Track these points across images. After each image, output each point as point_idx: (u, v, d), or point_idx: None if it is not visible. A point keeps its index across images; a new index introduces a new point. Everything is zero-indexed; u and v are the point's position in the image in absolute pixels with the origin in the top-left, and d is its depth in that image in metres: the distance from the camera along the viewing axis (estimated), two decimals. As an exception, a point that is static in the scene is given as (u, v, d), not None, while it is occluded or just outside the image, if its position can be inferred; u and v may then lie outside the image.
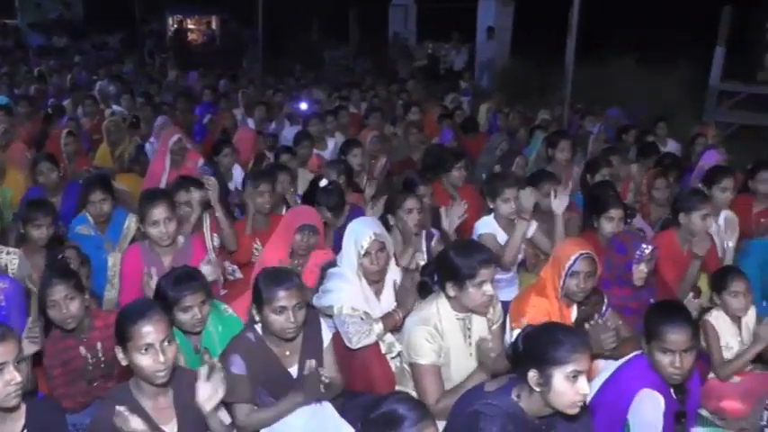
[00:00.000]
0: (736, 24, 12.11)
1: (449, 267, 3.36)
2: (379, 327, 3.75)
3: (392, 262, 4.05)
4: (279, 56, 18.28)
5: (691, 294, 4.48)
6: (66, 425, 2.91)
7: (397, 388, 3.62)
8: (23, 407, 2.64)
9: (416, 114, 9.50)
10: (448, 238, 4.93)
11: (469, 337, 3.48)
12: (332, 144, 8.14)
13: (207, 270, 3.89)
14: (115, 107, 10.42)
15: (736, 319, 4.13)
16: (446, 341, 3.38)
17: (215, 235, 4.93)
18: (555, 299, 3.70)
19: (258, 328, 3.29)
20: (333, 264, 4.06)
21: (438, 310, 3.42)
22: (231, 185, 6.47)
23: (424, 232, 4.90)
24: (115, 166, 7.35)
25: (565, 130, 8.39)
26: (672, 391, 3.11)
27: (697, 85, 12.91)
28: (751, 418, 3.87)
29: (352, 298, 3.79)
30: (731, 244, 4.90)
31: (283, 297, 3.13)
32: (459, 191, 5.96)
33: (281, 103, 11.29)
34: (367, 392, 3.61)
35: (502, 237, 4.80)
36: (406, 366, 3.55)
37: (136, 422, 2.57)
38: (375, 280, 3.91)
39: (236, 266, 5.09)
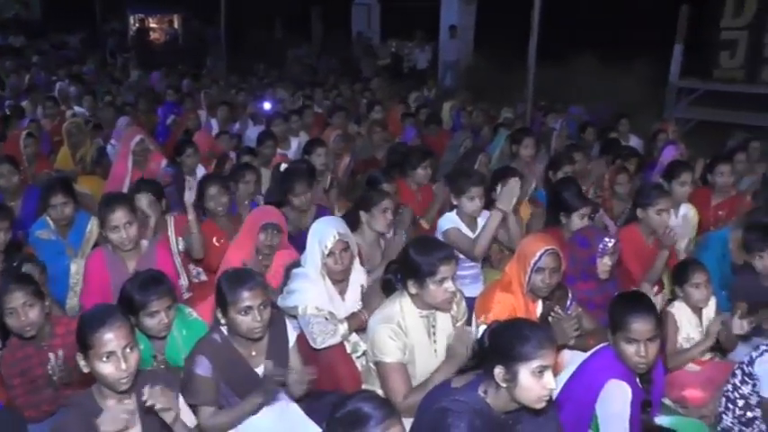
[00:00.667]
0: (693, 23, 12.31)
1: (409, 265, 3.36)
2: (343, 327, 3.76)
3: (356, 261, 4.04)
4: (242, 54, 18.17)
5: (655, 288, 4.56)
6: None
7: (364, 387, 3.62)
8: None
9: (380, 113, 9.52)
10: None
11: (434, 334, 3.48)
12: (296, 144, 8.11)
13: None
14: (76, 108, 10.27)
15: (697, 311, 4.21)
16: (410, 339, 3.37)
17: (180, 239, 4.85)
18: (520, 294, 3.72)
19: (224, 329, 3.26)
20: (297, 264, 4.05)
21: (401, 308, 3.41)
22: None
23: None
24: (77, 169, 7.23)
25: (528, 128, 8.47)
26: (638, 380, 3.15)
27: (657, 82, 13.09)
28: (711, 405, 3.95)
29: (316, 298, 3.79)
30: (683, 244, 4.96)
31: (248, 297, 3.11)
32: (421, 189, 5.99)
33: (244, 103, 11.23)
34: (333, 392, 3.60)
35: (465, 231, 4.82)
36: (371, 365, 3.55)
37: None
38: (339, 279, 3.91)
39: (200, 269, 5.05)
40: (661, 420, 3.32)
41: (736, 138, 8.43)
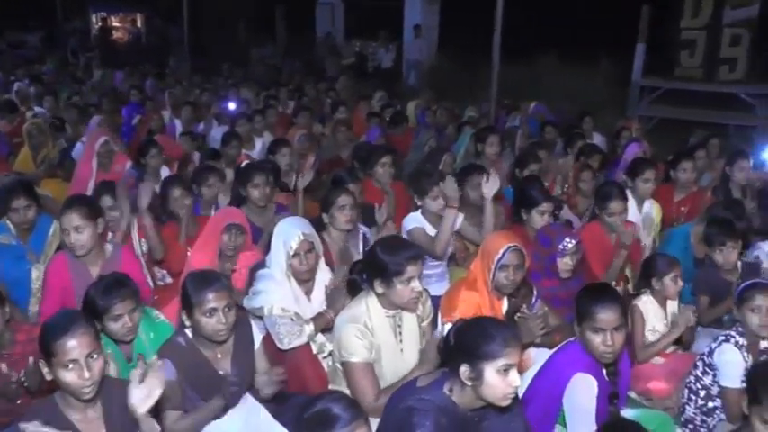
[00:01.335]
0: (655, 23, 12.48)
1: (376, 265, 3.35)
2: (310, 327, 3.75)
3: (322, 261, 4.04)
4: (205, 54, 18.06)
5: (613, 283, 4.62)
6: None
7: (331, 387, 3.60)
8: None
9: (344, 113, 9.51)
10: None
11: (400, 333, 3.48)
12: (260, 144, 8.09)
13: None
14: (37, 109, 10.09)
15: (663, 304, 4.28)
16: (376, 338, 3.37)
17: (143, 240, 4.80)
18: (485, 292, 3.74)
19: (188, 332, 3.23)
20: (262, 265, 4.03)
21: (368, 308, 3.41)
22: (157, 188, 6.34)
23: (361, 231, 4.91)
24: (39, 172, 7.11)
25: (493, 126, 8.53)
26: (604, 373, 3.19)
27: (620, 80, 13.28)
28: (674, 396, 4.03)
29: (282, 299, 3.77)
30: (648, 241, 5.04)
31: (212, 299, 3.09)
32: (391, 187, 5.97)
33: (208, 103, 11.15)
34: (300, 393, 3.59)
35: (431, 232, 4.83)
36: (338, 365, 3.54)
37: None
38: (305, 280, 3.90)
39: (165, 271, 5.00)
40: (626, 413, 3.36)
41: (697, 135, 8.57)
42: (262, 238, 4.85)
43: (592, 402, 3.07)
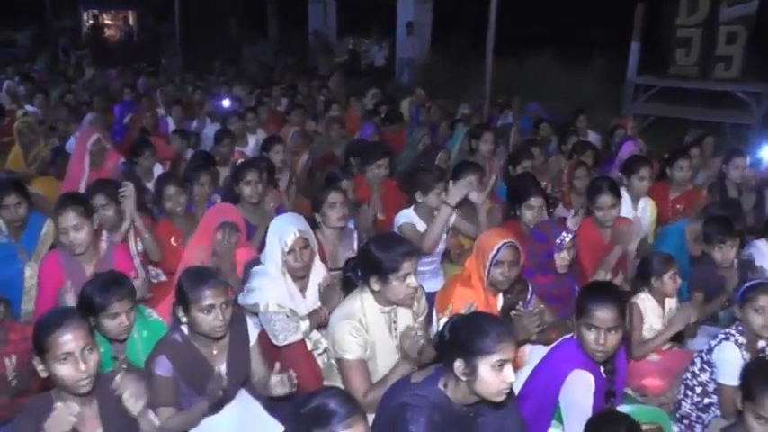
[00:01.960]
0: (649, 20, 12.49)
1: (371, 262, 3.35)
2: (305, 324, 3.73)
3: (317, 258, 4.02)
4: (197, 51, 18.01)
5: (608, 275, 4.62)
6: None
7: (325, 383, 3.60)
8: None
9: (337, 111, 9.50)
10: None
11: (395, 330, 3.48)
12: (253, 141, 8.07)
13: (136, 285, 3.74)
14: (28, 107, 10.05)
15: (661, 302, 4.28)
16: (371, 335, 3.37)
17: (138, 240, 4.76)
18: (480, 289, 3.73)
19: (184, 328, 3.21)
20: (257, 261, 4.01)
21: (362, 305, 3.41)
22: (151, 186, 6.31)
23: (354, 229, 4.89)
24: (30, 170, 7.07)
25: (487, 123, 8.52)
26: (602, 370, 3.18)
27: (614, 78, 13.28)
28: (669, 393, 4.04)
29: (277, 295, 3.75)
30: (634, 246, 5.03)
31: (210, 295, 3.07)
32: (381, 185, 5.95)
33: (201, 101, 11.12)
34: (295, 389, 3.58)
35: (421, 227, 4.81)
36: (333, 362, 3.54)
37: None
38: (300, 276, 3.88)
39: (159, 270, 4.97)
40: (622, 409, 3.35)
41: (692, 134, 8.57)
42: (256, 235, 4.83)
43: (588, 399, 3.07)
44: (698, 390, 3.75)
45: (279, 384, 3.16)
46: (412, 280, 3.33)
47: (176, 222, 5.02)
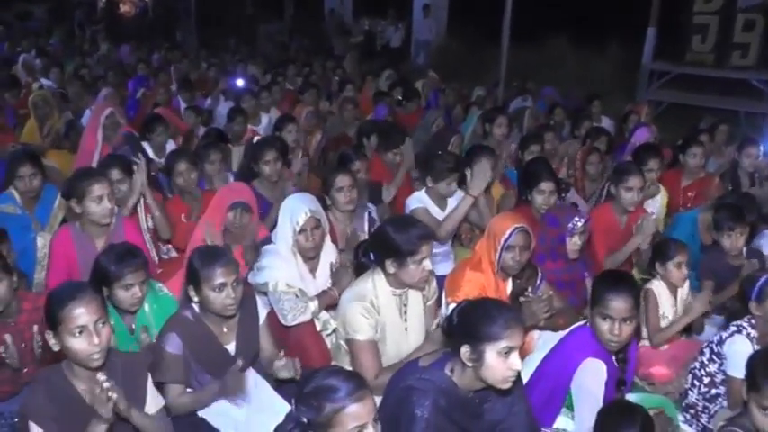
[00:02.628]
0: (666, 6, 12.38)
1: (388, 244, 3.33)
2: (314, 304, 3.75)
3: (327, 239, 4.03)
4: (212, 29, 17.96)
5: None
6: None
7: (333, 364, 3.61)
8: None
9: (351, 91, 9.47)
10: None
11: (405, 312, 3.49)
12: (266, 120, 8.07)
13: None
14: (43, 81, 10.07)
15: (673, 290, 4.27)
16: (382, 317, 3.38)
17: (149, 216, 4.77)
18: (490, 273, 3.73)
19: (195, 306, 3.23)
20: (268, 241, 4.02)
21: (374, 286, 3.41)
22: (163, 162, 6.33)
23: (366, 211, 4.90)
24: (44, 143, 7.11)
25: (501, 107, 8.48)
26: (614, 359, 3.18)
27: (630, 64, 13.19)
28: (676, 382, 4.03)
29: (287, 275, 3.76)
30: (644, 247, 5.01)
31: (221, 274, 3.09)
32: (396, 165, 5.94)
33: (215, 79, 11.11)
34: (303, 369, 3.60)
35: (435, 211, 4.82)
36: (341, 343, 3.55)
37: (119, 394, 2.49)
38: (310, 257, 3.89)
39: (169, 246, 5.00)
40: (629, 397, 3.37)
41: (707, 121, 8.52)
42: (269, 214, 4.84)
43: (600, 388, 3.07)
44: (706, 380, 3.74)
45: (284, 369, 3.18)
46: (427, 263, 3.33)
47: (187, 199, 5.04)
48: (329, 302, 3.81)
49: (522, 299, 3.70)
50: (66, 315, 2.53)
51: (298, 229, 3.76)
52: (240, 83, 10.28)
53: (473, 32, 15.06)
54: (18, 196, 4.72)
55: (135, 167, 4.62)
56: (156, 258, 4.68)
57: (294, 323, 3.70)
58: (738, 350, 3.51)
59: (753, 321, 3.61)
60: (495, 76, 10.61)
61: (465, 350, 2.58)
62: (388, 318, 3.41)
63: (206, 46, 16.15)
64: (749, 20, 11.97)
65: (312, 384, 2.20)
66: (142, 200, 4.74)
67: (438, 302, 3.81)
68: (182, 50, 15.30)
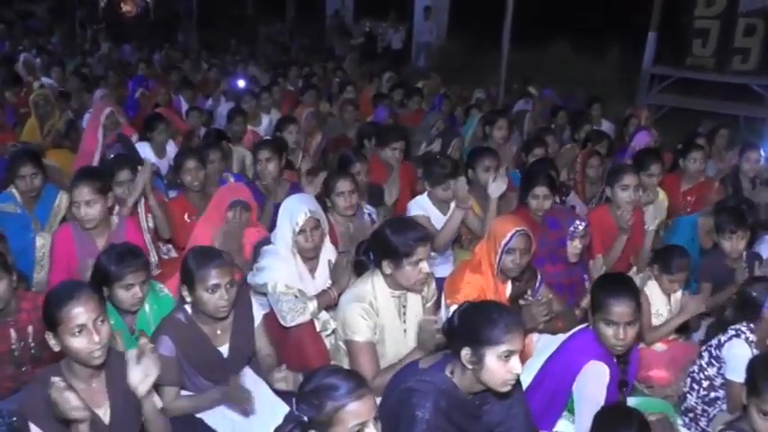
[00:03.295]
0: (667, 11, 12.39)
1: (385, 245, 3.35)
2: (313, 305, 3.75)
3: (327, 240, 4.03)
4: (213, 30, 17.97)
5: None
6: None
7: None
8: None
9: (352, 93, 9.48)
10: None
11: (404, 314, 3.49)
12: (266, 121, 8.07)
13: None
14: (44, 79, 10.07)
15: (666, 291, 4.29)
16: (381, 318, 3.38)
17: (149, 216, 4.77)
18: (490, 275, 3.72)
19: (188, 308, 3.23)
20: (267, 241, 4.03)
21: (373, 288, 3.41)
22: (164, 162, 6.34)
23: (366, 212, 4.89)
24: (45, 142, 7.10)
25: (502, 109, 8.49)
26: (616, 361, 3.17)
27: (630, 68, 13.20)
28: (675, 385, 4.03)
29: (286, 276, 3.77)
30: (653, 227, 5.00)
31: (215, 275, 3.09)
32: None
33: (216, 79, 11.11)
34: (302, 370, 3.59)
35: (436, 215, 4.80)
36: (341, 344, 3.54)
37: (72, 396, 2.43)
38: (310, 257, 3.89)
39: (170, 246, 5.00)
40: (629, 401, 3.36)
41: (707, 126, 8.52)
42: (264, 213, 4.85)
43: (602, 392, 3.05)
44: (704, 383, 3.74)
45: (282, 381, 3.18)
46: (424, 266, 3.33)
47: (190, 198, 5.04)
48: (328, 303, 3.81)
49: (521, 302, 3.71)
50: (65, 315, 2.52)
51: (297, 229, 3.76)
52: (241, 83, 10.29)
53: (474, 35, 15.09)
54: (18, 195, 4.71)
55: (140, 168, 4.64)
56: (156, 258, 4.68)
57: (293, 324, 3.69)
58: (737, 354, 3.51)
59: (751, 326, 3.61)
60: (495, 79, 10.62)
61: (465, 353, 2.58)
62: (386, 319, 3.41)
63: (207, 47, 16.14)
64: (750, 24, 11.98)
65: (312, 383, 2.21)
66: (143, 200, 4.75)
67: (437, 304, 3.80)
68: (183, 51, 15.30)
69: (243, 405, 3.14)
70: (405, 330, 3.49)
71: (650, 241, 4.74)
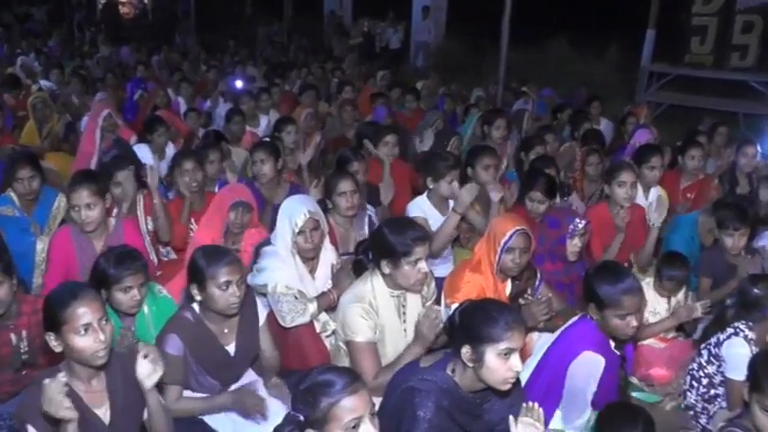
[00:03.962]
0: (665, 8, 12.39)
1: (383, 245, 3.35)
2: (313, 306, 3.74)
3: (326, 240, 4.02)
4: (211, 31, 17.98)
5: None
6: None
7: (332, 365, 3.62)
8: None
9: (351, 93, 9.47)
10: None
11: (404, 314, 3.48)
12: (265, 121, 8.06)
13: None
14: (43, 82, 10.07)
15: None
16: (381, 318, 3.37)
17: (149, 218, 4.77)
18: (490, 274, 3.72)
19: (195, 307, 3.23)
20: (267, 242, 4.02)
21: (373, 288, 3.41)
22: (164, 164, 6.33)
23: (366, 212, 4.87)
24: (43, 145, 7.09)
25: (500, 108, 8.48)
26: (612, 345, 3.18)
27: (628, 66, 13.21)
28: (675, 383, 4.05)
29: (286, 276, 3.76)
30: (657, 224, 4.99)
31: (227, 272, 3.09)
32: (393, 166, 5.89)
33: (215, 80, 11.11)
34: (302, 371, 3.59)
35: (435, 216, 4.78)
36: (341, 344, 3.54)
37: (66, 401, 2.43)
38: (309, 258, 3.89)
39: (169, 248, 4.99)
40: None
41: (706, 123, 8.52)
42: (263, 214, 4.84)
43: (590, 384, 3.07)
44: (704, 381, 3.75)
45: (275, 387, 3.18)
46: (423, 265, 3.33)
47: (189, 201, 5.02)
48: (328, 304, 3.80)
49: (521, 301, 3.70)
50: (70, 315, 2.52)
51: (297, 230, 3.76)
52: (239, 84, 10.28)
53: (472, 34, 15.09)
54: (16, 198, 4.70)
55: (149, 170, 4.69)
56: (156, 260, 4.68)
57: (293, 325, 3.69)
58: (737, 353, 3.53)
59: (750, 324, 3.61)
60: (494, 78, 10.61)
61: (466, 350, 2.59)
62: (386, 319, 3.41)
63: (205, 48, 16.14)
64: (748, 21, 11.99)
65: (308, 382, 2.21)
66: (141, 202, 4.76)
67: (437, 304, 3.79)
68: (181, 52, 15.30)
69: (254, 413, 3.16)
70: (404, 330, 3.48)
71: (653, 239, 4.73)
